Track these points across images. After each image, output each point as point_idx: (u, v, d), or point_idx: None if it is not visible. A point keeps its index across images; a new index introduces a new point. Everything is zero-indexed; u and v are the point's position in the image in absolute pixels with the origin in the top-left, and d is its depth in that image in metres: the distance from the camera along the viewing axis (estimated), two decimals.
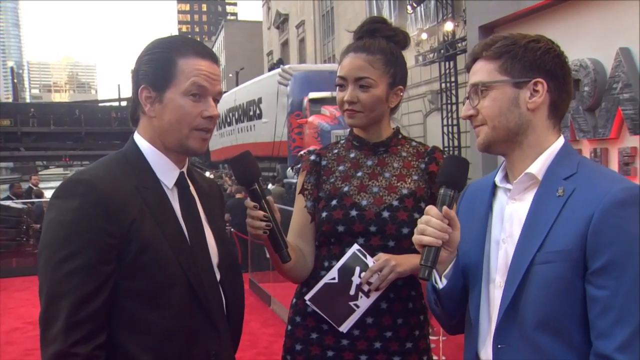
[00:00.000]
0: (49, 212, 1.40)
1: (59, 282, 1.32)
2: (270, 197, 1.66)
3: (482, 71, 1.41)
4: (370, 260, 1.73)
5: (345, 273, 1.74)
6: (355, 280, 1.73)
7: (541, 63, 1.37)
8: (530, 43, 1.39)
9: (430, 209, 1.40)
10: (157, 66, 1.47)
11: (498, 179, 1.47)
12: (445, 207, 1.39)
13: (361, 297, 1.74)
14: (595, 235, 1.24)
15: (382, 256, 1.73)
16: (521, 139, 1.40)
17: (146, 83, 1.47)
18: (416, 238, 1.39)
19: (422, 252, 1.39)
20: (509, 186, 1.43)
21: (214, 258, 1.56)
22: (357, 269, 1.73)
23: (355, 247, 1.75)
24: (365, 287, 1.73)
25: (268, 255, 1.76)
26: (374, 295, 1.74)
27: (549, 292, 1.28)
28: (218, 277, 1.57)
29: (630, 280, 1.22)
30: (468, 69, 1.47)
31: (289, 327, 1.89)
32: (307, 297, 1.78)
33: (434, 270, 1.45)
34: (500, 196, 1.46)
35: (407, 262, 1.72)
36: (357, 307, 1.74)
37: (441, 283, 1.47)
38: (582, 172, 1.34)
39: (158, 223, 1.43)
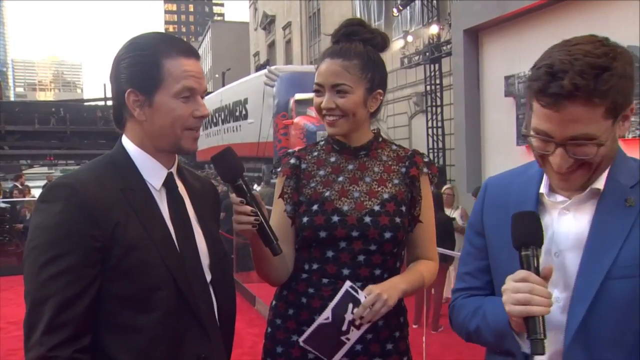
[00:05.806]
0: (34, 217, 1.39)
1: (43, 285, 1.31)
2: (256, 192, 1.62)
3: (584, 121, 1.19)
4: (362, 295, 1.71)
5: (339, 312, 1.72)
6: (348, 316, 1.72)
7: (632, 90, 1.23)
8: (626, 68, 1.20)
9: (528, 275, 1.21)
10: (143, 69, 1.44)
11: (544, 190, 1.37)
12: (542, 270, 1.23)
13: (352, 330, 1.72)
14: None
15: (373, 290, 1.69)
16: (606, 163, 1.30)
17: (132, 87, 1.44)
18: (520, 310, 1.20)
19: (525, 323, 1.21)
20: (559, 199, 1.34)
21: (205, 259, 1.55)
22: (350, 306, 1.71)
23: (348, 284, 1.73)
24: (357, 322, 1.71)
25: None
26: (364, 327, 1.73)
27: (625, 308, 1.20)
28: (209, 278, 1.56)
29: None
30: (553, 105, 1.20)
31: (269, 330, 1.89)
32: (301, 340, 1.76)
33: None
34: (546, 206, 1.37)
35: (396, 291, 1.71)
36: (348, 339, 1.73)
37: (525, 346, 1.28)
38: None
39: (144, 225, 1.41)
